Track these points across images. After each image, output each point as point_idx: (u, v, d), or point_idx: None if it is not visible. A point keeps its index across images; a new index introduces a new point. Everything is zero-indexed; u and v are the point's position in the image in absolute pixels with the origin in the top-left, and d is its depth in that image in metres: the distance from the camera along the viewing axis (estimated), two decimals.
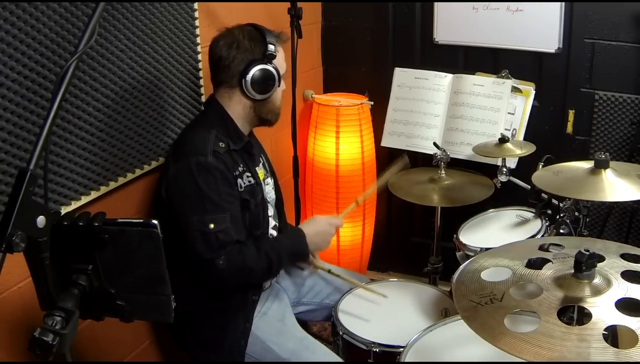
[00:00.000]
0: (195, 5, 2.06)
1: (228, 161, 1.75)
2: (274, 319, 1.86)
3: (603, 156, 1.72)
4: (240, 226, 1.74)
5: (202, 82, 2.13)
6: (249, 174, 1.82)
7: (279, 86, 1.82)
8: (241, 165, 1.80)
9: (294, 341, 1.81)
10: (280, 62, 1.82)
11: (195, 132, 1.79)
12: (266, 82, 1.77)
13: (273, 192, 2.02)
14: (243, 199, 1.77)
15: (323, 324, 2.69)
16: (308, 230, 1.90)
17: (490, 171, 2.33)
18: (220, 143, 1.75)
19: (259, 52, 1.75)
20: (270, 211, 1.96)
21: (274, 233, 1.98)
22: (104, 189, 1.77)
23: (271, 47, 1.75)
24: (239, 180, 1.77)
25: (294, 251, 1.87)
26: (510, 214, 2.31)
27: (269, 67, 1.76)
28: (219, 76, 1.80)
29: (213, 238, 1.66)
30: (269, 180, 2.00)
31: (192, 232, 1.67)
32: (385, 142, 2.71)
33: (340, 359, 1.80)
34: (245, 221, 1.78)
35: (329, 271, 2.00)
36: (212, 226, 1.66)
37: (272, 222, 1.97)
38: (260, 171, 1.93)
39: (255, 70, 1.74)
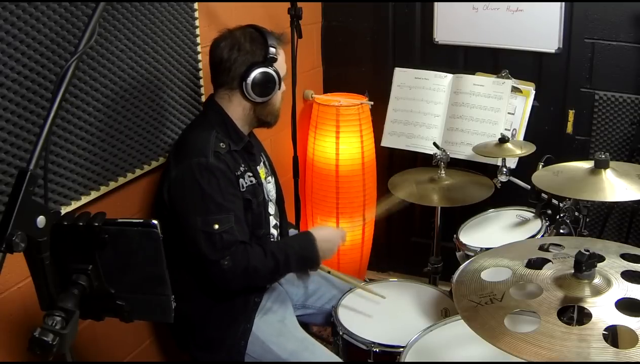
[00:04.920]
0: (195, 5, 2.06)
1: (229, 161, 1.75)
2: (275, 320, 1.86)
3: (603, 156, 1.72)
4: (244, 227, 1.74)
5: (202, 82, 2.13)
6: (250, 174, 1.82)
7: (279, 89, 1.82)
8: (242, 165, 1.80)
9: (293, 342, 1.81)
10: (281, 64, 1.81)
11: (196, 134, 1.79)
12: (267, 85, 1.76)
13: (274, 190, 2.01)
14: (245, 199, 1.77)
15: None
16: (318, 234, 1.84)
17: (490, 171, 2.33)
18: (221, 144, 1.75)
19: (260, 55, 1.74)
20: (272, 209, 1.96)
21: (275, 232, 1.97)
22: (104, 189, 1.77)
23: (272, 50, 1.74)
24: (241, 180, 1.77)
25: (303, 255, 1.81)
26: (510, 214, 2.31)
27: (269, 70, 1.75)
28: (220, 78, 1.80)
29: (217, 239, 1.66)
30: (270, 179, 2.00)
31: (197, 233, 1.66)
32: (385, 142, 2.71)
33: (340, 360, 1.80)
34: (247, 221, 1.78)
35: (328, 272, 1.99)
36: (216, 226, 1.66)
37: (273, 221, 1.96)
38: (262, 170, 1.93)
39: (256, 73, 1.73)
